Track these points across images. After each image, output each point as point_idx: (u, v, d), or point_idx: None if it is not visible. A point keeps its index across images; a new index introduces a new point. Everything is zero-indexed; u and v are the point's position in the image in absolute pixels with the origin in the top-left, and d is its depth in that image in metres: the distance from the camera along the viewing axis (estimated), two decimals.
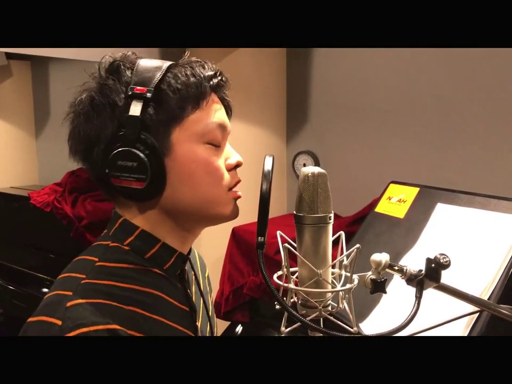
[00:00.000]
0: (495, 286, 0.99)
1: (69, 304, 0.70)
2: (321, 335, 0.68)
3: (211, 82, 0.81)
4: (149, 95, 0.76)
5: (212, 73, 0.82)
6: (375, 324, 1.14)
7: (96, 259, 0.79)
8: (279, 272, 0.70)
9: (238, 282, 2.14)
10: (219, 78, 0.83)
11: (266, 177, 0.66)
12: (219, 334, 2.25)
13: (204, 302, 0.96)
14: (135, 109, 0.75)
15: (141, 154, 0.75)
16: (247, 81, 2.46)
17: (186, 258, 0.88)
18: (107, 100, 0.77)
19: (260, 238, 0.66)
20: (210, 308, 1.00)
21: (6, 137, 3.77)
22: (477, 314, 0.95)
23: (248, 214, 2.27)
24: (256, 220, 0.67)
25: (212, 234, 2.59)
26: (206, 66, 0.82)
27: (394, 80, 2.31)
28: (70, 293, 0.72)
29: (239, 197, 0.86)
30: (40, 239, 2.90)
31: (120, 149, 0.75)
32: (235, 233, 2.18)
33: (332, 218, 0.67)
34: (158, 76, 0.77)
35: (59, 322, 0.68)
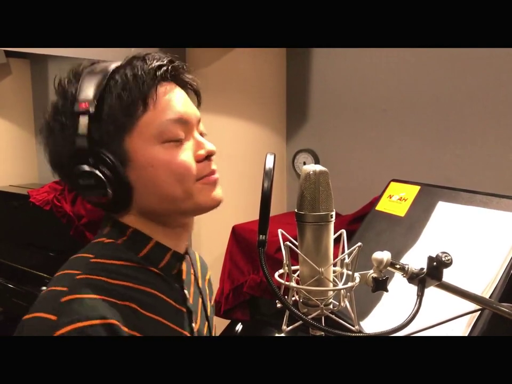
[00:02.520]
0: (497, 284, 0.99)
1: (63, 299, 0.70)
2: (322, 333, 0.68)
3: (157, 74, 0.77)
4: (92, 109, 0.74)
5: (156, 64, 0.77)
6: (377, 322, 1.14)
7: (92, 256, 0.79)
8: (280, 271, 0.70)
9: (238, 281, 2.13)
10: (165, 67, 0.78)
11: (268, 175, 0.66)
12: (219, 333, 2.26)
13: (203, 303, 0.95)
14: (82, 126, 0.74)
15: (96, 171, 0.74)
16: (247, 80, 2.46)
17: (182, 257, 0.87)
18: (58, 123, 0.77)
19: (261, 236, 0.65)
20: (209, 309, 0.99)
21: (5, 136, 3.76)
22: (479, 312, 0.95)
23: (248, 212, 2.28)
24: (256, 218, 0.67)
25: (212, 232, 2.60)
26: (148, 60, 0.78)
27: (393, 79, 2.31)
28: (65, 289, 0.72)
29: (212, 180, 0.82)
30: (39, 238, 2.90)
31: (76, 169, 0.75)
32: (235, 231, 2.17)
33: (334, 216, 0.67)
34: (100, 86, 0.75)
35: (54, 317, 0.68)
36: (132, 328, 0.74)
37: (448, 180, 2.08)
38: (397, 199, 1.39)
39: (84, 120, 0.74)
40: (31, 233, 2.97)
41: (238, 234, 2.16)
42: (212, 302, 1.04)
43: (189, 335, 0.85)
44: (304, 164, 2.58)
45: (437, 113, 2.20)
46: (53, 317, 0.68)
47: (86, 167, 0.75)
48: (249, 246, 2.11)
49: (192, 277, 0.95)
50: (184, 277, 0.89)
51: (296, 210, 0.67)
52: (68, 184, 0.83)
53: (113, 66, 0.77)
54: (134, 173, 0.77)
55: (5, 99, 3.78)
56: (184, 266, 0.90)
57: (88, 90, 0.75)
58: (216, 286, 2.24)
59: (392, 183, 1.48)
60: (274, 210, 2.45)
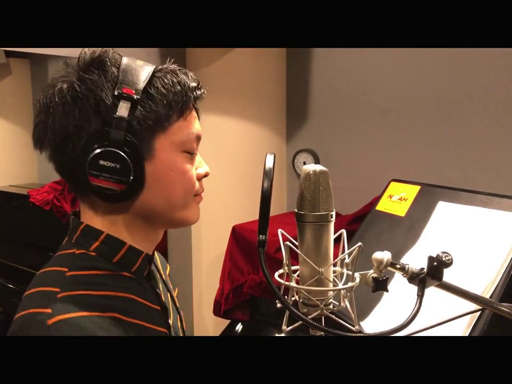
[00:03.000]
0: (497, 284, 0.99)
1: (50, 321, 0.68)
2: (322, 333, 0.68)
3: (194, 94, 0.81)
4: (137, 97, 0.75)
5: (195, 84, 0.82)
6: (377, 322, 1.14)
7: (65, 269, 0.76)
8: (280, 271, 0.70)
9: (238, 281, 2.13)
10: (201, 90, 0.84)
11: (268, 175, 0.66)
12: (219, 333, 2.26)
13: (172, 297, 0.97)
14: (123, 109, 0.74)
15: (125, 156, 0.74)
16: (247, 80, 2.46)
17: (152, 259, 0.88)
18: (92, 95, 0.75)
19: (261, 236, 0.65)
20: (176, 301, 1.01)
21: (5, 136, 3.75)
22: (479, 312, 0.95)
23: (248, 212, 2.28)
24: (255, 218, 0.67)
25: (211, 233, 2.60)
26: (190, 76, 0.82)
27: (394, 79, 2.31)
28: (49, 310, 0.70)
29: (201, 200, 0.88)
30: (39, 238, 2.90)
31: (104, 149, 0.74)
32: (235, 231, 2.17)
33: (334, 216, 0.67)
34: (146, 78, 0.76)
35: None
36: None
37: (449, 180, 2.07)
38: (397, 199, 1.39)
39: (125, 104, 0.74)
40: (31, 233, 2.96)
41: (238, 234, 2.16)
42: (175, 294, 1.05)
43: (167, 332, 0.86)
44: (304, 163, 2.58)
45: (437, 113, 2.20)
46: None
47: (117, 150, 0.74)
48: (249, 246, 2.11)
49: (157, 274, 0.96)
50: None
51: (296, 210, 0.67)
52: (62, 158, 0.78)
53: (153, 66, 0.80)
54: (152, 170, 0.78)
55: (5, 99, 3.77)
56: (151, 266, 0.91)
57: (133, 78, 0.76)
58: (216, 286, 2.25)
59: (392, 183, 1.48)
60: (274, 210, 2.46)
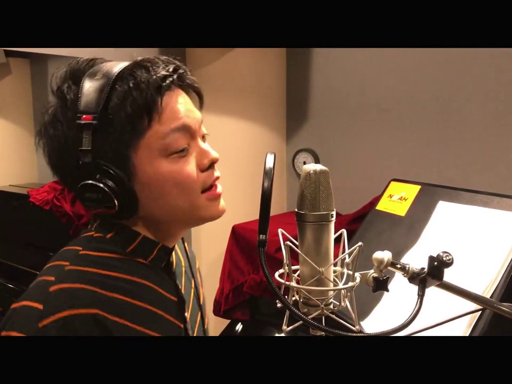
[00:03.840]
0: (498, 284, 0.99)
1: (51, 289, 0.72)
2: (323, 333, 0.68)
3: (162, 85, 0.75)
4: (95, 122, 0.72)
5: (162, 74, 0.75)
6: (377, 322, 1.14)
7: (80, 248, 0.79)
8: (281, 270, 0.70)
9: (238, 281, 2.13)
10: (171, 78, 0.76)
11: (268, 174, 0.65)
12: (219, 333, 2.26)
13: (196, 292, 0.97)
14: (86, 141, 0.73)
15: (103, 186, 0.74)
16: (247, 80, 2.46)
17: (170, 251, 0.88)
18: (59, 133, 0.76)
19: (261, 236, 0.65)
20: (202, 297, 1.00)
21: (5, 135, 3.75)
22: (479, 312, 0.95)
23: (248, 212, 2.28)
24: (255, 217, 0.66)
25: (211, 232, 2.60)
26: (152, 70, 0.75)
27: (393, 79, 2.31)
28: (53, 278, 0.73)
29: (217, 194, 0.84)
30: (39, 237, 2.89)
31: (82, 183, 0.74)
32: (235, 231, 2.17)
33: (334, 216, 0.66)
34: (103, 98, 0.73)
35: (40, 306, 0.70)
36: (120, 317, 0.74)
37: (449, 180, 2.07)
38: (397, 199, 1.39)
39: (87, 134, 0.73)
40: (30, 232, 2.96)
41: (238, 234, 2.16)
42: (202, 289, 1.05)
43: (181, 324, 0.86)
44: (304, 163, 2.58)
45: (437, 113, 2.20)
46: (39, 306, 0.70)
47: (92, 181, 0.74)
48: (249, 246, 2.11)
49: (183, 268, 0.96)
50: (173, 268, 0.90)
51: (296, 209, 0.67)
52: (71, 191, 0.82)
53: (114, 72, 0.75)
54: (141, 187, 0.77)
55: (4, 99, 3.77)
56: (174, 258, 0.91)
57: (91, 101, 0.73)
58: (216, 286, 2.24)
59: (393, 183, 1.48)
60: (274, 210, 2.45)
